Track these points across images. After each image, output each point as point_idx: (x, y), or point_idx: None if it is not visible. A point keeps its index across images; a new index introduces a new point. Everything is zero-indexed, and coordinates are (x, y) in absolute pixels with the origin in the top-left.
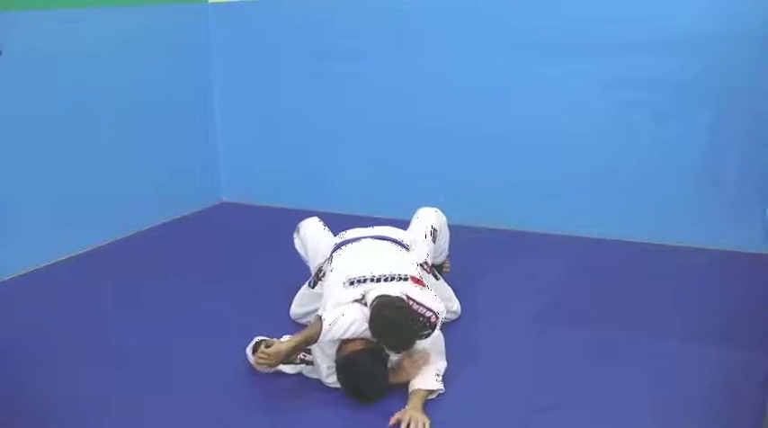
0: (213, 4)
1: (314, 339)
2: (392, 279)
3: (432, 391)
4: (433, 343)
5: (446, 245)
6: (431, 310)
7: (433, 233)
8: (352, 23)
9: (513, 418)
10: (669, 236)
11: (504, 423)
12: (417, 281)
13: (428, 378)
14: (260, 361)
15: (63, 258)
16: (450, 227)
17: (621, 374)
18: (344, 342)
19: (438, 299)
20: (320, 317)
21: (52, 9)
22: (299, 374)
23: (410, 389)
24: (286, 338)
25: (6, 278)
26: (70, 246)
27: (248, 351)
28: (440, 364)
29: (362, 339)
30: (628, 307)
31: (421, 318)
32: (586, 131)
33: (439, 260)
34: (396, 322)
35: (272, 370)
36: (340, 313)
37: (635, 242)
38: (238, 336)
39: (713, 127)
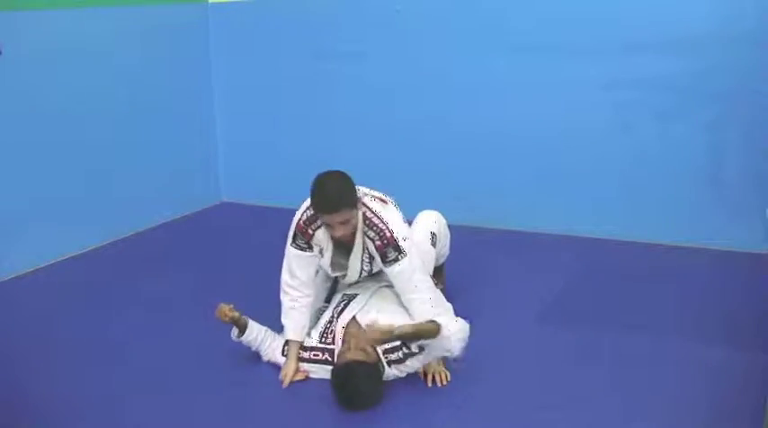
0: (213, 4)
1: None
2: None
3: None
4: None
5: (446, 249)
6: (387, 227)
7: (433, 239)
8: (352, 23)
9: (513, 418)
10: (669, 236)
11: (504, 423)
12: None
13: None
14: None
15: (63, 258)
16: (450, 227)
17: (621, 374)
18: (345, 350)
19: (405, 224)
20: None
21: (52, 9)
22: (307, 377)
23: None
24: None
25: (6, 278)
26: (70, 246)
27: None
28: (446, 320)
29: (363, 351)
30: (628, 307)
31: (378, 234)
32: (586, 131)
33: (440, 262)
34: None
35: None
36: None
37: (635, 242)
38: None
39: (713, 127)
